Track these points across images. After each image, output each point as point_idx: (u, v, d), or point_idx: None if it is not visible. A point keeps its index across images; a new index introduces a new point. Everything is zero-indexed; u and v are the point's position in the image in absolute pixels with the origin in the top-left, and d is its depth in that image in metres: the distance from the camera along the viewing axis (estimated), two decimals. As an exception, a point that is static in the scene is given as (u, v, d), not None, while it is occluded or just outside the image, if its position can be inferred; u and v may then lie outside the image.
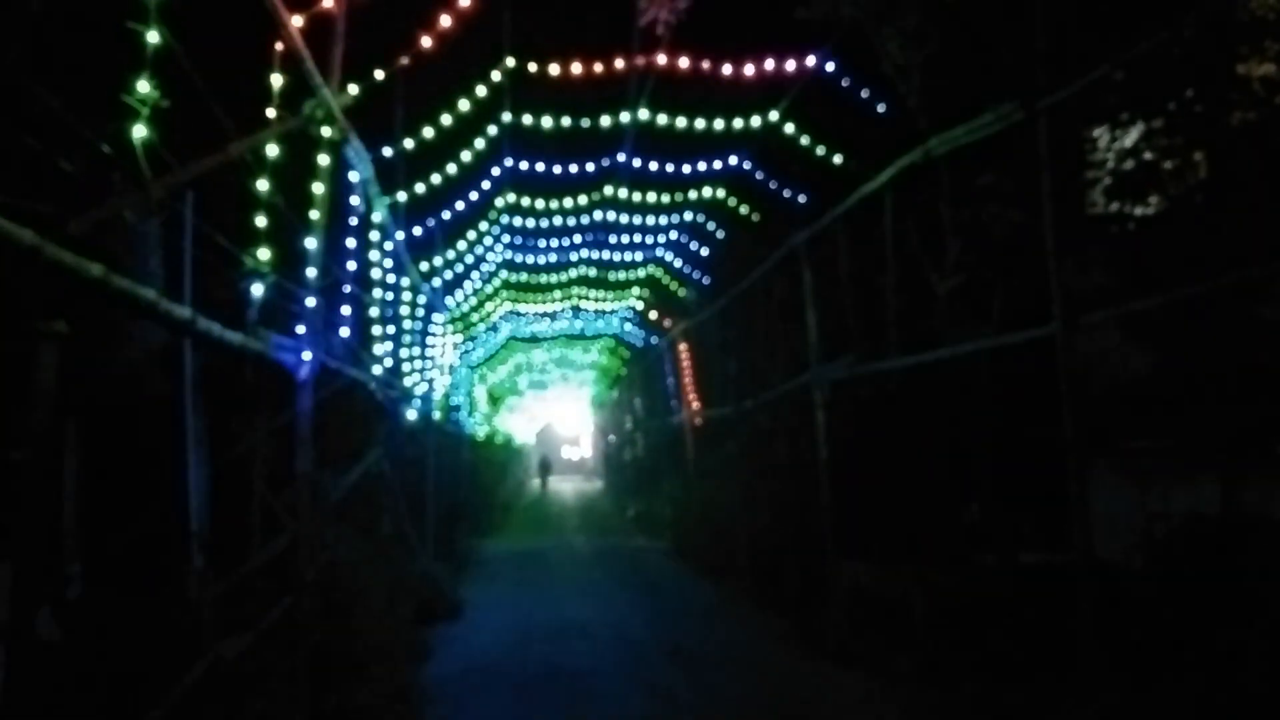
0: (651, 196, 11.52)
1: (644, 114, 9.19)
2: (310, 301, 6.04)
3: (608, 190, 11.24)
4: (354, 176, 7.45)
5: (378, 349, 8.95)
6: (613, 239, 13.31)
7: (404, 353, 10.62)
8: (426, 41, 7.16)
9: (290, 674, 6.23)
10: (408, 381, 10.97)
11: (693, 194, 11.42)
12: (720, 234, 12.29)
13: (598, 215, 11.99)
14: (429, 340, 12.69)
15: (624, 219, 12.27)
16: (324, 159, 6.23)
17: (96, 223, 4.02)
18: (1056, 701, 7.34)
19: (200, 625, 6.06)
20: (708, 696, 8.25)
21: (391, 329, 9.44)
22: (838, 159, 9.15)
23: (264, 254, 5.32)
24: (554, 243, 13.18)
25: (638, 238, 13.29)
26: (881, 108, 8.24)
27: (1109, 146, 8.09)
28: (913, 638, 9.01)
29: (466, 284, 13.60)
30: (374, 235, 8.53)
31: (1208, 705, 6.09)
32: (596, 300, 17.24)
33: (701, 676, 8.91)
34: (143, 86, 3.65)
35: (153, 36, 3.69)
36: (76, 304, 3.58)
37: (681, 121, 9.28)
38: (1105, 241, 8.17)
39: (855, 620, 10.12)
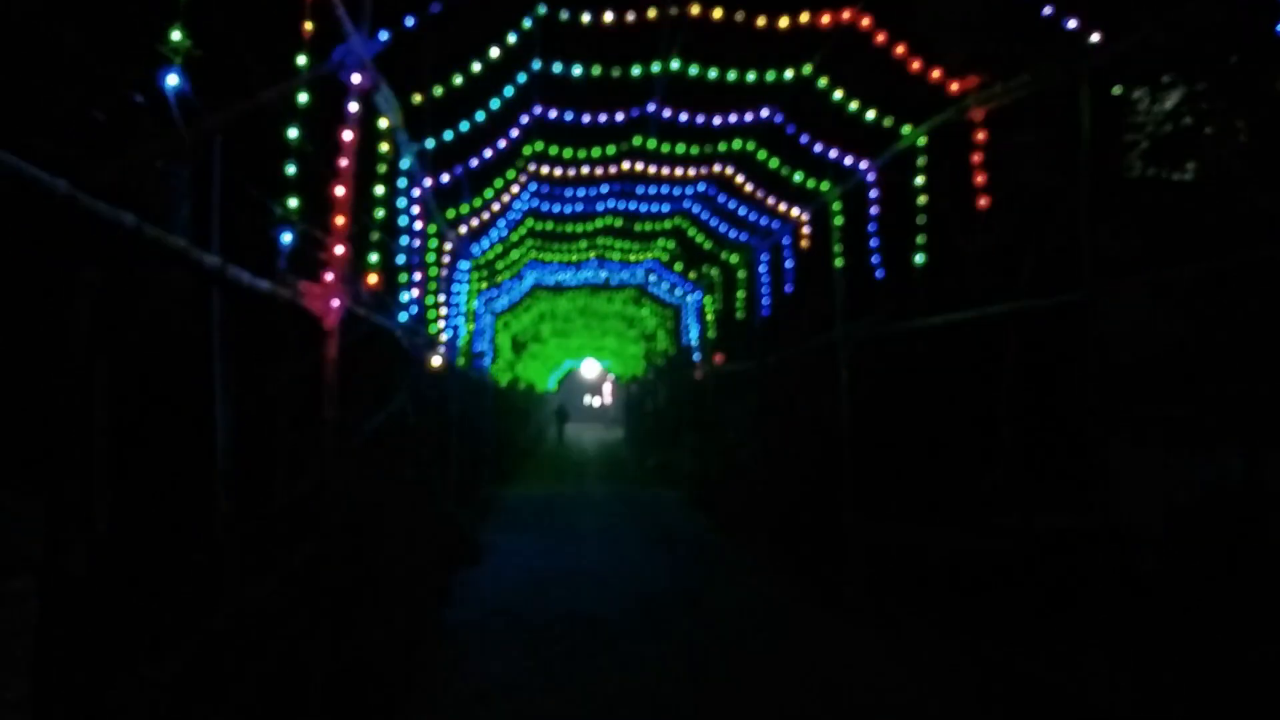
0: (680, 148, 11.42)
1: (675, 64, 9.07)
2: (338, 249, 6.05)
3: (636, 141, 11.14)
4: (383, 124, 7.42)
5: (404, 296, 8.98)
6: (640, 190, 13.22)
7: (430, 299, 10.65)
8: (458, -13, 7.09)
9: (312, 615, 6.34)
10: (433, 328, 11.02)
11: (722, 146, 11.31)
12: (749, 188, 12.18)
13: (625, 165, 11.90)
14: (454, 287, 12.72)
15: (651, 170, 12.17)
16: (353, 106, 6.20)
17: (126, 169, 4.03)
18: (1071, 664, 7.39)
19: (226, 564, 6.16)
20: (721, 646, 8.35)
21: (418, 276, 9.45)
22: (870, 115, 9.01)
23: (293, 202, 5.33)
24: (581, 192, 13.10)
25: (665, 189, 13.20)
26: (917, 64, 8.09)
27: (1149, 110, 7.95)
28: (929, 598, 9.07)
29: (493, 231, 13.57)
30: (401, 182, 8.51)
31: (1223, 675, 6.12)
32: (622, 251, 17.18)
33: (716, 627, 9.01)
34: (175, 36, 3.65)
35: (185, -15, 3.68)
36: (109, 251, 3.60)
37: (713, 73, 9.16)
38: (1141, 206, 8.06)
39: (872, 578, 10.19)
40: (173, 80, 3.72)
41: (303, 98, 5.44)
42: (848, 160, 10.14)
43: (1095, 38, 6.63)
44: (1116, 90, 6.69)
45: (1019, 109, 7.92)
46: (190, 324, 6.20)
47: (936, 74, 8.15)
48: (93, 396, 5.56)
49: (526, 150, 11.04)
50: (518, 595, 10.30)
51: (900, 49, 8.16)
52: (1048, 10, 6.94)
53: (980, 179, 7.91)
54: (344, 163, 6.22)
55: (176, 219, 3.90)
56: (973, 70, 7.94)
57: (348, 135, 6.24)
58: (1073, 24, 6.79)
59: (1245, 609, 6.22)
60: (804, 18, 8.24)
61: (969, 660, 7.93)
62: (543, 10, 8.10)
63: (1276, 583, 6.21)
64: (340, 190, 6.16)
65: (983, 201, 7.94)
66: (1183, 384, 9.01)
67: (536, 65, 8.88)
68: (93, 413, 5.71)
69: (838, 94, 9.04)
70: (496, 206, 12.37)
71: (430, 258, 10.55)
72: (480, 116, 9.22)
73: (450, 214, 11.75)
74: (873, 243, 9.85)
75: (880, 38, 8.14)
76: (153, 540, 6.13)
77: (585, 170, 11.93)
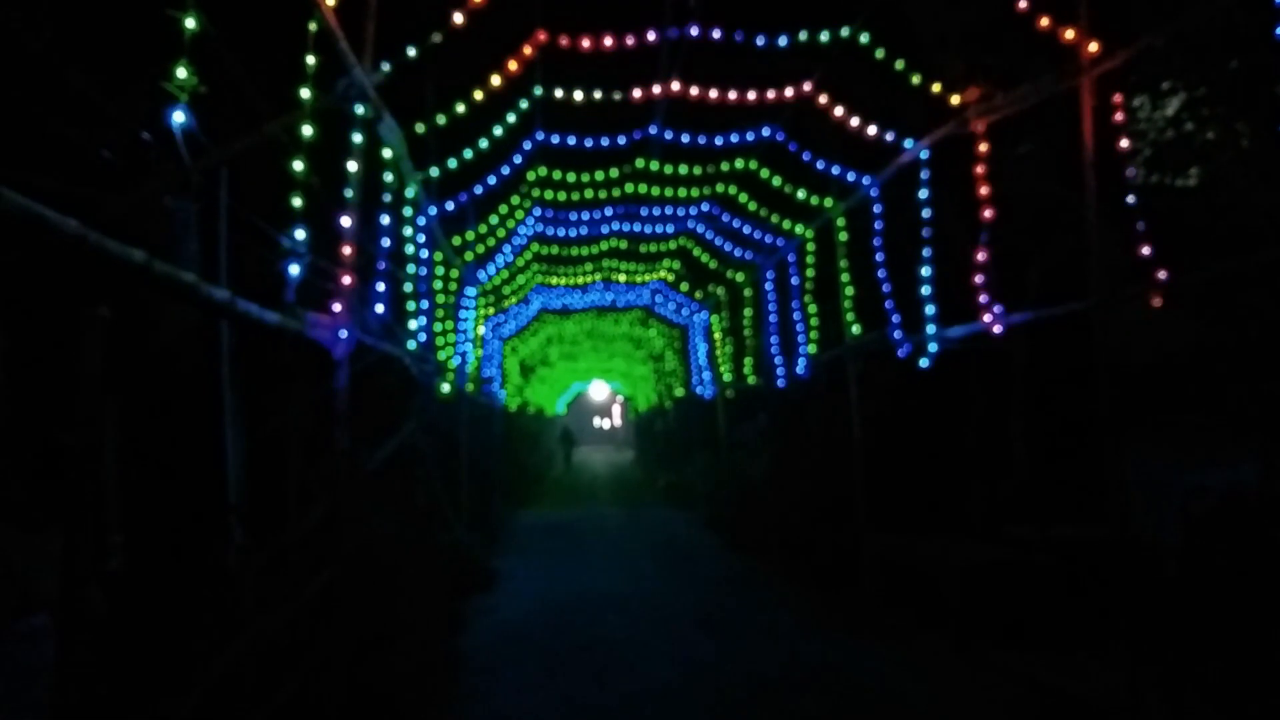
0: (683, 168, 11.46)
1: (676, 86, 9.11)
2: (346, 280, 6.08)
3: (639, 163, 11.19)
4: (387, 153, 7.46)
5: (412, 324, 9.00)
6: (644, 211, 13.26)
7: (437, 327, 10.67)
8: (458, 17, 7.13)
9: (327, 646, 6.33)
10: (441, 355, 11.04)
11: (725, 165, 11.35)
12: (753, 206, 12.21)
13: (629, 188, 11.94)
14: (461, 314, 12.75)
15: (655, 191, 12.21)
16: (357, 137, 6.24)
17: (135, 205, 4.06)
18: (1089, 676, 7.34)
19: (240, 597, 6.16)
20: (739, 668, 8.30)
21: (425, 303, 9.48)
22: (872, 130, 9.03)
23: (300, 234, 5.35)
24: (585, 215, 13.15)
25: (669, 210, 13.24)
26: (917, 78, 8.12)
27: (1150, 117, 7.95)
28: (944, 611, 9.01)
29: (498, 257, 13.62)
30: (407, 211, 8.56)
31: (1241, 684, 6.06)
32: (628, 273, 17.21)
33: (733, 648, 8.96)
34: (181, 73, 3.68)
35: (190, 23, 3.71)
36: (120, 288, 3.62)
37: (714, 93, 9.20)
38: (1145, 213, 8.04)
39: (887, 593, 10.14)
40: (179, 117, 3.75)
41: (307, 130, 5.48)
42: (851, 176, 10.17)
43: (1093, 46, 6.64)
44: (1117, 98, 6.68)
45: (1020, 120, 7.93)
46: (200, 357, 6.24)
47: (937, 87, 8.18)
48: (105, 432, 5.58)
49: (530, 175, 11.09)
50: (532, 621, 10.26)
51: (900, 64, 8.19)
52: (1045, 21, 6.96)
53: (984, 190, 7.92)
54: (349, 193, 6.26)
55: (185, 253, 3.92)
56: (973, 82, 7.96)
57: (352, 166, 6.28)
58: (1070, 34, 6.80)
59: (1266, 615, 6.17)
60: (803, 36, 8.29)
61: (988, 672, 7.87)
62: (543, 36, 8.16)
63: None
64: (346, 221, 6.19)
65: (987, 213, 7.95)
66: (1195, 390, 8.98)
67: (538, 91, 8.93)
68: (105, 448, 5.73)
69: (839, 110, 9.07)
70: (502, 232, 12.42)
71: (437, 285, 10.58)
72: (483, 144, 9.27)
73: (456, 241, 11.80)
74: (878, 257, 9.86)
75: (879, 53, 8.18)
76: (167, 574, 6.14)
77: (589, 194, 11.99)
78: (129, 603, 5.77)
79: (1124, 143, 6.80)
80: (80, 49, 4.18)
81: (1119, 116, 6.83)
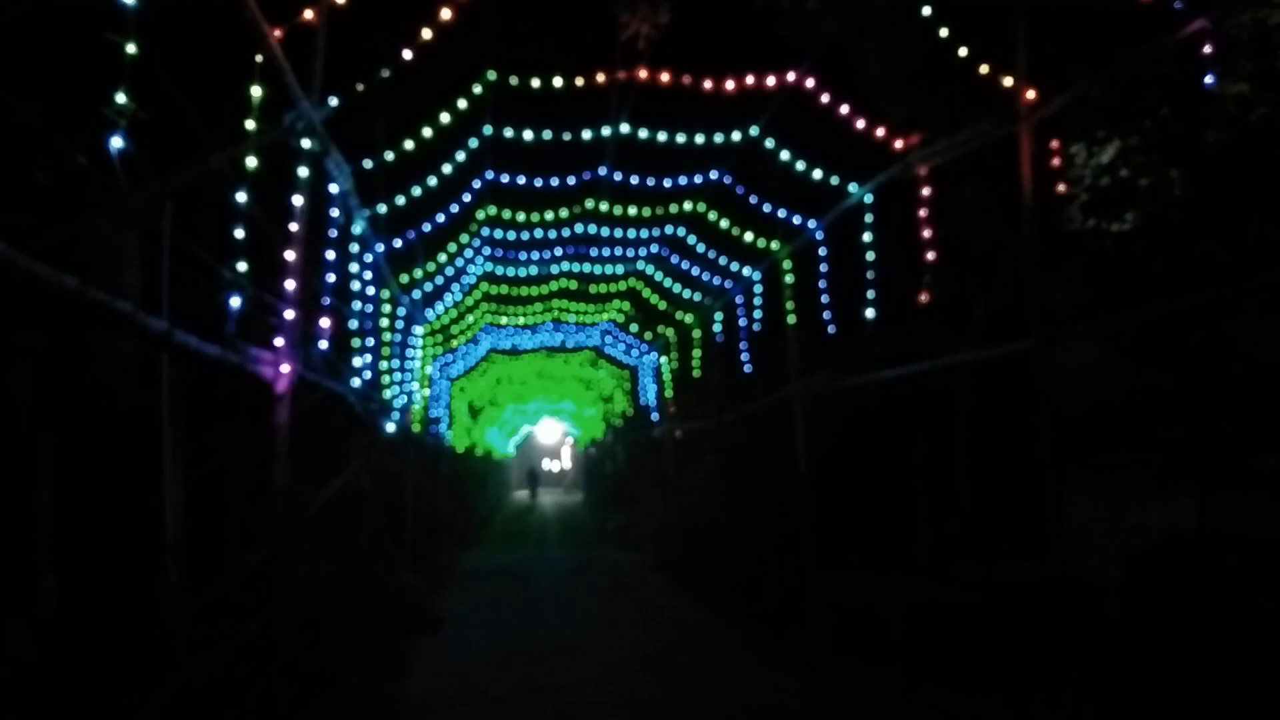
0: (633, 210, 11.52)
1: (625, 128, 9.20)
2: (289, 314, 6.01)
3: (589, 203, 11.24)
4: (334, 188, 7.42)
5: (357, 361, 8.91)
6: (594, 252, 13.31)
7: (383, 365, 10.57)
8: (407, 54, 7.15)
9: (266, 689, 6.17)
10: (387, 394, 10.92)
11: (674, 208, 11.45)
12: (701, 248, 12.32)
13: (579, 228, 11.99)
14: (408, 352, 12.64)
15: (605, 232, 12.27)
16: (304, 171, 6.20)
17: (72, 235, 3.98)
18: (1034, 715, 7.37)
19: (175, 640, 5.99)
20: (687, 712, 8.22)
21: (370, 341, 9.40)
22: (818, 174, 9.17)
23: (242, 266, 5.29)
24: (535, 255, 13.17)
25: (618, 251, 13.30)
26: (862, 123, 8.28)
27: (1086, 163, 8.17)
28: (892, 651, 9.02)
29: (446, 296, 13.56)
30: (353, 247, 8.50)
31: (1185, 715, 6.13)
32: (578, 313, 17.21)
33: (681, 691, 8.87)
34: (120, 98, 3.63)
35: (131, 48, 3.67)
36: (52, 316, 3.54)
37: (663, 135, 9.30)
38: (1083, 257, 8.24)
39: (835, 634, 10.12)
40: (117, 143, 3.69)
41: (252, 162, 5.43)
42: (797, 219, 10.30)
43: (1031, 94, 6.82)
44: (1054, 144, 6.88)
45: (960, 165, 8.10)
46: (140, 392, 6.10)
47: (880, 132, 8.34)
48: (36, 467, 5.43)
49: (480, 214, 11.08)
50: (477, 666, 10.09)
51: (844, 109, 8.35)
52: (985, 69, 7.14)
53: (927, 233, 8.06)
54: (294, 227, 6.21)
55: (124, 284, 3.85)
56: (915, 128, 8.13)
57: (298, 200, 6.24)
58: (1008, 81, 6.99)
59: (1204, 651, 6.25)
60: (750, 80, 8.42)
61: (933, 713, 7.87)
62: (493, 75, 8.20)
63: (1232, 623, 6.25)
64: (290, 255, 6.13)
65: (930, 255, 8.09)
66: (1133, 432, 9.15)
67: (488, 130, 8.96)
68: (36, 484, 5.57)
69: (785, 154, 9.21)
70: (450, 271, 12.37)
71: (384, 323, 10.50)
72: (432, 181, 9.26)
73: (404, 279, 11.74)
74: (824, 299, 9.97)
75: (824, 99, 8.33)
76: (101, 615, 5.96)
77: (539, 233, 12.00)
78: (60, 645, 5.58)
79: (1061, 187, 6.97)
80: (21, 75, 4.12)
81: (1056, 162, 7.02)
